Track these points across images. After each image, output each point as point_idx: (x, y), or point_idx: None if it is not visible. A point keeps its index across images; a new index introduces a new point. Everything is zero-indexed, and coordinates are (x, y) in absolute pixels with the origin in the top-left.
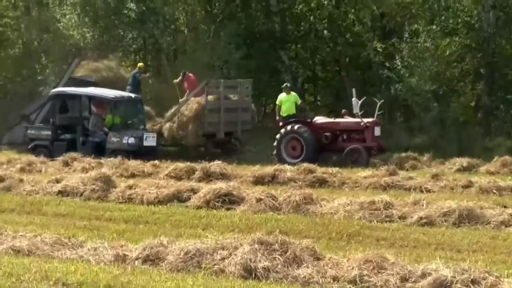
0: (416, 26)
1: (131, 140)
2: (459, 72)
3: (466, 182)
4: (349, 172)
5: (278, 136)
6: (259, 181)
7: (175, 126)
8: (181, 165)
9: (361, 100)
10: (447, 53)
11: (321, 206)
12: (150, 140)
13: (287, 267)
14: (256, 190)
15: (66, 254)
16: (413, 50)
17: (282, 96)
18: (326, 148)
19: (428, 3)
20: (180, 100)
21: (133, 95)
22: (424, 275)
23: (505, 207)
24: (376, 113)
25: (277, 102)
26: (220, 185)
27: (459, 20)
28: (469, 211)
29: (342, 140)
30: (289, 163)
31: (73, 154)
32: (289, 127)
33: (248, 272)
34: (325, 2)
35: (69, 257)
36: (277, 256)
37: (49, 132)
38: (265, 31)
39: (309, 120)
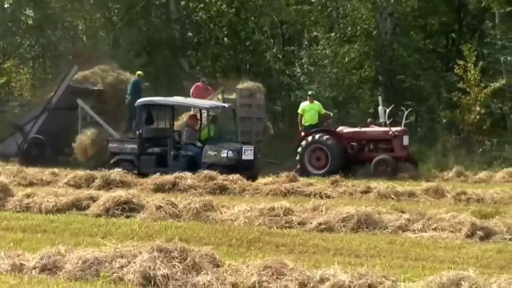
0: (315, 33)
1: (230, 153)
2: (358, 79)
3: (365, 187)
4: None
5: (301, 146)
6: (159, 188)
7: None
8: (80, 173)
9: (389, 109)
10: (346, 60)
11: (221, 213)
12: (248, 154)
13: (186, 274)
14: (156, 198)
15: None
16: (313, 57)
17: (305, 104)
18: (352, 159)
19: (327, 11)
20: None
21: (226, 105)
22: (322, 280)
23: (402, 212)
24: (404, 121)
25: (299, 111)
26: (120, 193)
27: (358, 27)
28: (367, 216)
29: (368, 150)
30: (314, 175)
31: None
32: (313, 137)
33: (147, 280)
34: (225, 10)
35: None
36: (176, 263)
37: (135, 146)
38: (165, 39)
39: (333, 130)
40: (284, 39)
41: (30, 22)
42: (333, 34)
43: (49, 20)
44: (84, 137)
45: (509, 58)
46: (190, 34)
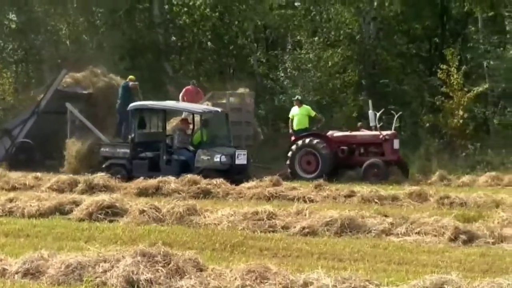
0: (298, 37)
1: (224, 158)
2: (341, 83)
3: (348, 191)
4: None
5: (291, 150)
6: (142, 192)
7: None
8: (63, 177)
9: (379, 113)
10: (330, 64)
11: (204, 217)
12: (241, 158)
13: (170, 278)
14: (139, 202)
15: None
16: (296, 62)
17: (294, 109)
18: (342, 163)
19: (310, 15)
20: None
21: (219, 109)
22: (306, 284)
23: (385, 216)
24: (394, 125)
25: (289, 116)
26: (103, 197)
27: (341, 32)
28: (350, 220)
29: (359, 154)
30: (305, 179)
31: None
32: (303, 141)
33: (131, 285)
34: (209, 14)
35: None
36: (159, 267)
37: (127, 150)
38: (148, 43)
39: (323, 134)
40: (267, 43)
41: (13, 26)
42: (316, 38)
43: (32, 24)
44: (71, 158)
45: (491, 63)
46: (173, 38)
